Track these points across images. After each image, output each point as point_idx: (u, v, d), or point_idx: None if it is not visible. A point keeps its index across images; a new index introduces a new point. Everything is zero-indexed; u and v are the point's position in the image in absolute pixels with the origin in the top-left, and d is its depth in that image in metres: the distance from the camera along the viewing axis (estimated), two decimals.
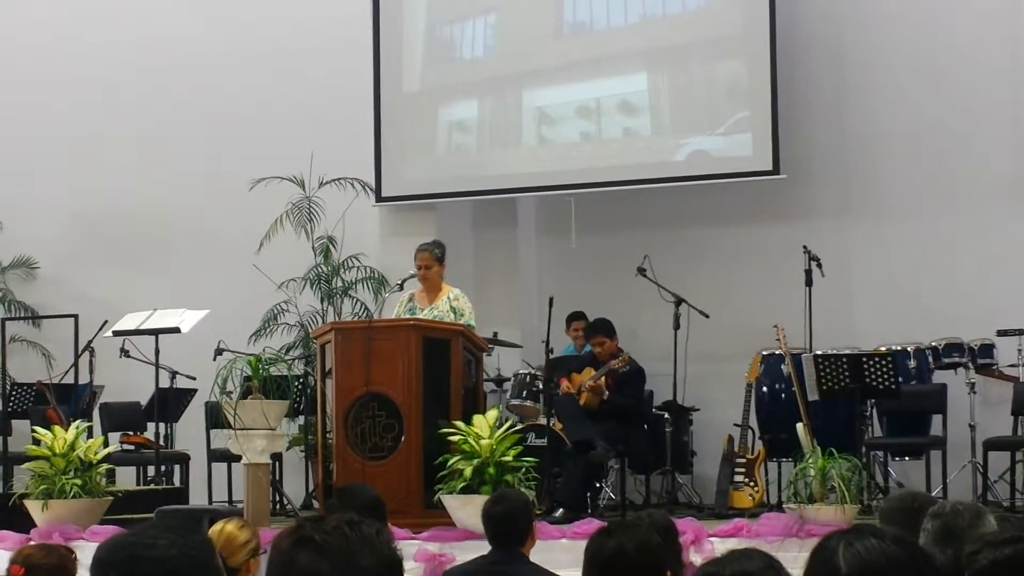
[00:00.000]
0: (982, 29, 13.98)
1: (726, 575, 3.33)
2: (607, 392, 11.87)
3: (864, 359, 11.58)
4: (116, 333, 12.80)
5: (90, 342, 13.78)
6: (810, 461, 9.52)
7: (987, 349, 12.65)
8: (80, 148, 16.16)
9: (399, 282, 11.92)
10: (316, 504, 12.30)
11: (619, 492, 12.15)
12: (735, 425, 12.25)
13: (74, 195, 16.12)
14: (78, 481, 10.22)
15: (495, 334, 13.50)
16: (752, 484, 11.97)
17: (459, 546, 9.25)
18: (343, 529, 2.81)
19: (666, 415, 12.92)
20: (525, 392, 13.02)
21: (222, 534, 5.79)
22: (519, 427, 10.42)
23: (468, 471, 9.53)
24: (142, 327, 12.49)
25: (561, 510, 11.07)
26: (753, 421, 12.33)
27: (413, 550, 9.20)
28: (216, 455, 13.41)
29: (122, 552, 3.05)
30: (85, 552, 7.26)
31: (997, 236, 13.77)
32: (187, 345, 12.60)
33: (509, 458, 9.58)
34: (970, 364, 12.58)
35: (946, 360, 12.63)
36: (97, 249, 16.11)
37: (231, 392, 10.50)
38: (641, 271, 12.93)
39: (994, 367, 12.71)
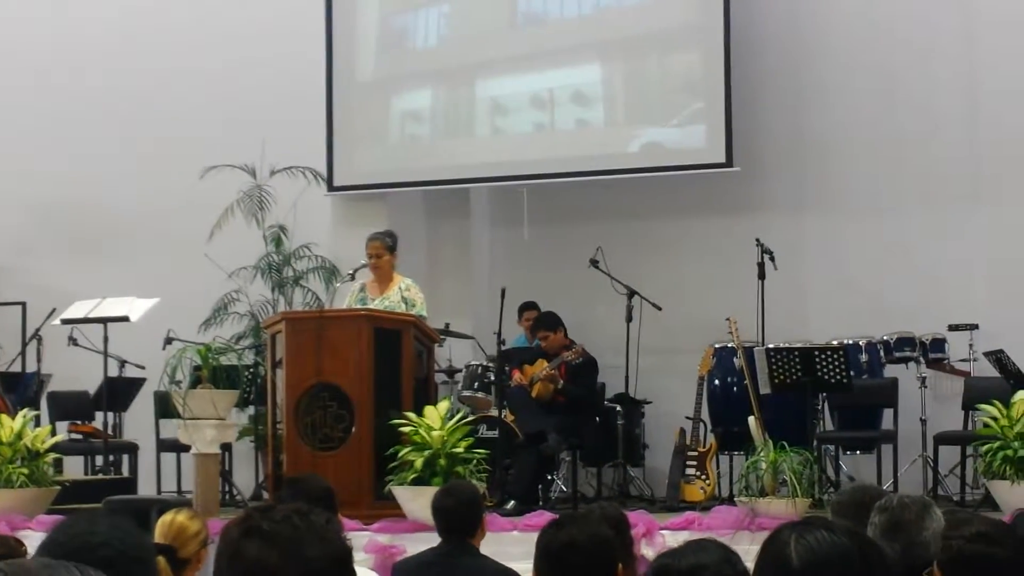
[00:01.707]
0: (939, 27, 14.01)
1: (682, 567, 3.30)
2: (561, 381, 11.85)
3: (816, 352, 11.60)
4: (64, 321, 12.72)
5: (38, 330, 13.72)
6: (762, 454, 9.57)
7: (938, 343, 12.72)
8: (29, 136, 16.02)
9: (350, 272, 11.88)
10: (266, 495, 12.27)
11: (571, 484, 12.16)
12: (687, 418, 12.26)
13: (22, 183, 15.97)
14: (25, 470, 10.18)
15: (447, 325, 13.46)
16: (704, 477, 11.98)
17: (410, 538, 9.23)
18: (292, 519, 2.78)
19: (618, 408, 12.91)
20: (477, 383, 13.00)
21: (173, 525, 5.71)
22: (470, 418, 10.40)
23: (419, 462, 9.53)
24: (91, 315, 12.41)
25: (512, 502, 11.04)
26: (705, 414, 12.33)
27: (363, 541, 9.18)
28: (165, 445, 13.33)
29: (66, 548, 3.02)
30: (32, 541, 7.19)
31: (950, 232, 13.81)
32: (136, 334, 12.52)
33: (460, 449, 9.58)
34: (921, 358, 12.65)
35: (897, 354, 12.69)
36: (45, 237, 15.98)
37: (180, 381, 10.46)
38: (594, 263, 12.92)
39: (945, 361, 12.78)
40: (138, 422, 13.94)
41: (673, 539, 9.10)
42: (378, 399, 10.57)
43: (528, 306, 13.77)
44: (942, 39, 14.02)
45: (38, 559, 1.97)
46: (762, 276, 12.40)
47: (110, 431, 13.42)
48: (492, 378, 12.71)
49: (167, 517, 5.76)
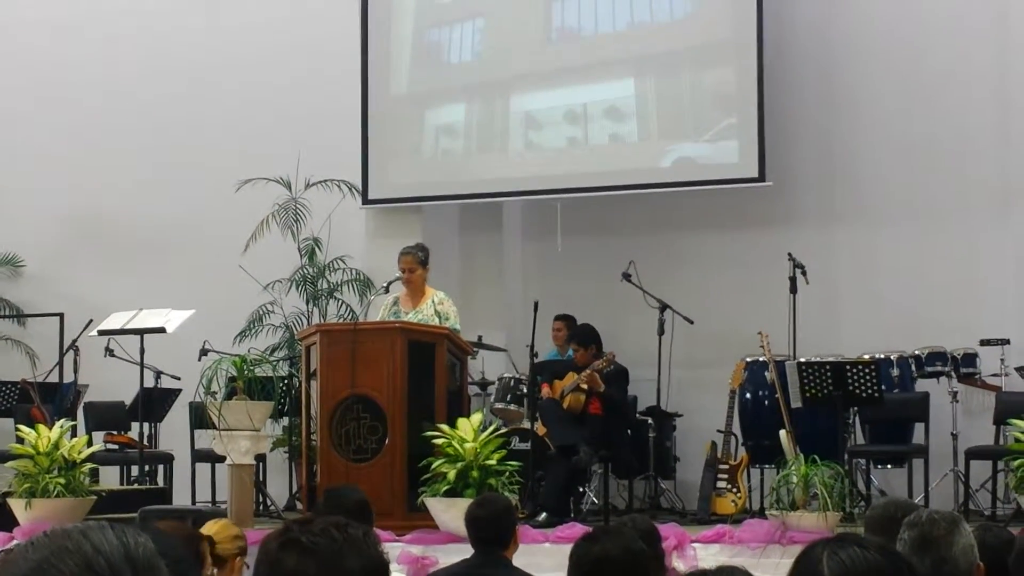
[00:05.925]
0: (969, 39, 14.01)
1: None
2: (602, 385, 11.82)
3: (847, 367, 11.61)
4: (101, 332, 12.79)
5: (75, 341, 13.77)
6: (793, 468, 9.56)
7: (970, 358, 12.69)
8: (67, 147, 16.13)
9: (384, 284, 11.94)
10: (299, 505, 12.30)
11: (602, 497, 12.17)
12: (718, 431, 12.27)
13: (61, 194, 16.09)
14: (62, 480, 10.22)
15: (480, 337, 13.51)
16: (735, 490, 11.99)
17: (442, 549, 9.27)
18: (330, 531, 2.82)
19: (649, 420, 12.94)
20: (509, 396, 13.04)
21: (215, 524, 5.86)
22: (503, 431, 10.44)
23: (452, 474, 9.55)
24: (127, 327, 12.48)
25: (544, 514, 11.08)
26: (736, 427, 12.35)
27: (396, 552, 9.21)
28: (200, 455, 13.39)
29: None
30: None
31: (981, 246, 13.81)
32: (172, 345, 12.60)
33: (493, 461, 9.60)
34: (953, 373, 12.61)
35: (929, 369, 12.67)
36: (83, 248, 16.09)
37: (216, 392, 10.53)
38: (626, 276, 12.94)
39: (976, 376, 12.76)
40: (173, 433, 14.02)
41: (704, 552, 9.15)
42: (411, 411, 10.62)
43: (561, 316, 13.78)
44: (974, 53, 14.01)
45: (78, 524, 2.02)
46: (794, 290, 12.40)
47: (146, 441, 13.50)
48: (524, 390, 12.75)
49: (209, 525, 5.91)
